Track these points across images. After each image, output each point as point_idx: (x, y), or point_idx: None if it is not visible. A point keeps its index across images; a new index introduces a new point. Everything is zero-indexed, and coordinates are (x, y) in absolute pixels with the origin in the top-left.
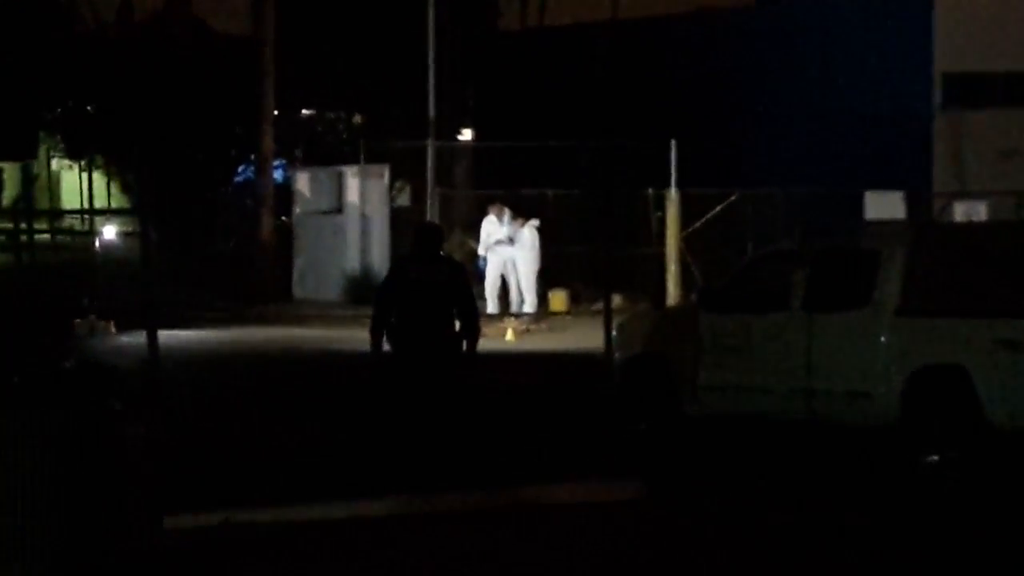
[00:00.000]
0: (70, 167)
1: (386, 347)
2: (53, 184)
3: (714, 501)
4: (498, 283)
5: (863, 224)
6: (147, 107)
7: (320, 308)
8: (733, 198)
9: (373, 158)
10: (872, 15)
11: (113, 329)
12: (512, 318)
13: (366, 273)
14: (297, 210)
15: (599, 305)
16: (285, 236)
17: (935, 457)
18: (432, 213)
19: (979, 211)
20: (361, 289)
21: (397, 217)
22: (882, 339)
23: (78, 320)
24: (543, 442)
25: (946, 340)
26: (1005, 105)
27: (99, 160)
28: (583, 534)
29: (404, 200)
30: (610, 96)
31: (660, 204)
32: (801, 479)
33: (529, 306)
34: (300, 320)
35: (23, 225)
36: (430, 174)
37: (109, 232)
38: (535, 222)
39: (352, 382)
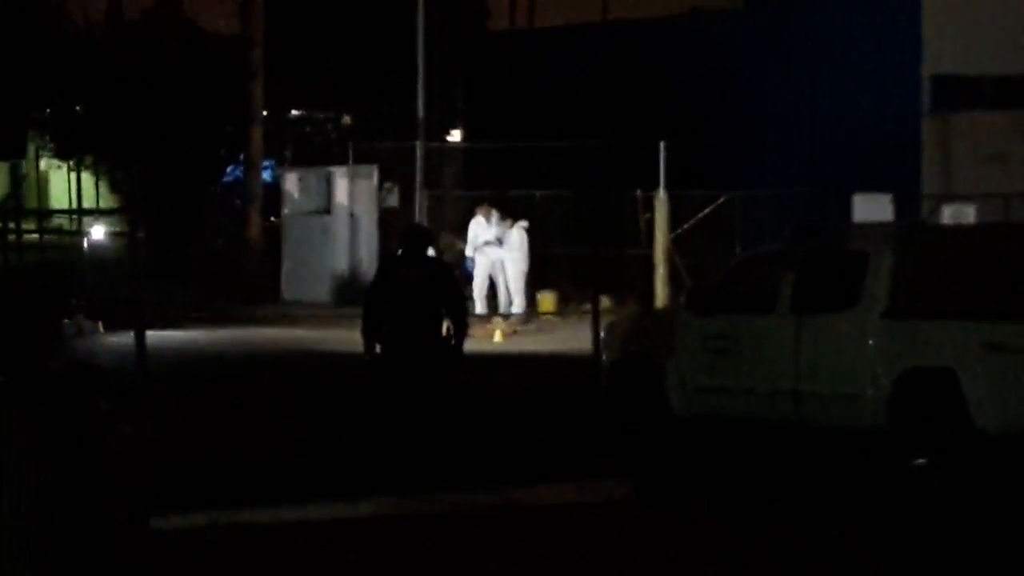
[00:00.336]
0: (59, 167)
1: (378, 348)
2: (42, 184)
3: (702, 503)
4: (486, 284)
5: (851, 226)
6: (136, 107)
7: (308, 309)
8: (721, 200)
9: (362, 159)
10: (861, 17)
11: (101, 329)
12: (500, 319)
13: (354, 274)
14: (286, 210)
15: (587, 306)
16: (274, 236)
17: (923, 460)
18: (421, 214)
19: (967, 213)
20: (349, 290)
21: (386, 218)
22: (870, 341)
23: (66, 320)
24: (531, 443)
25: (934, 343)
26: (993, 108)
27: (88, 160)
28: (571, 535)
29: (393, 201)
30: (599, 97)
31: (649, 205)
32: (789, 481)
33: (517, 307)
34: (288, 320)
35: (11, 225)
36: (419, 175)
37: (98, 232)
38: (524, 223)
39: (340, 382)
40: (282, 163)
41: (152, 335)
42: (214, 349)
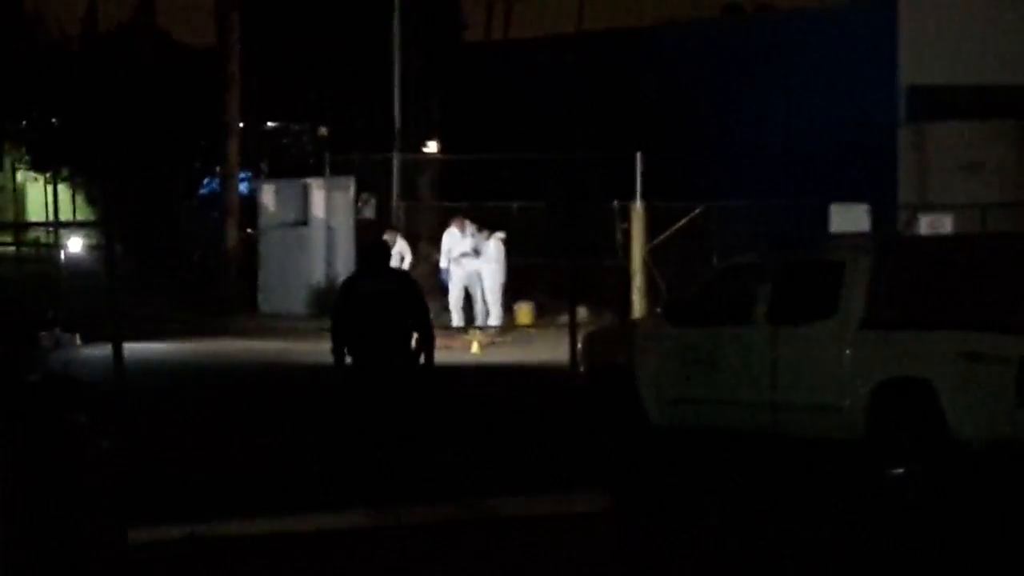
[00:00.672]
0: (35, 179)
1: (349, 360)
2: (18, 196)
3: (680, 513)
4: (462, 296)
5: (828, 236)
6: (111, 119)
7: (285, 320)
8: (698, 211)
9: (338, 170)
10: (837, 28)
11: (79, 341)
12: (477, 331)
13: (331, 285)
14: (262, 222)
15: (564, 318)
16: (250, 248)
17: (900, 470)
18: (397, 225)
19: (944, 224)
20: (326, 301)
21: (362, 229)
22: (847, 352)
23: (43, 332)
24: (509, 454)
25: (911, 353)
26: (970, 118)
27: (64, 172)
28: (549, 546)
29: (370, 212)
30: (576, 109)
31: (625, 216)
32: (766, 492)
33: (495, 319)
34: (265, 332)
35: None
36: (395, 186)
37: (75, 245)
38: (501, 234)
39: (316, 395)
40: (258, 175)
41: (129, 347)
42: (191, 361)
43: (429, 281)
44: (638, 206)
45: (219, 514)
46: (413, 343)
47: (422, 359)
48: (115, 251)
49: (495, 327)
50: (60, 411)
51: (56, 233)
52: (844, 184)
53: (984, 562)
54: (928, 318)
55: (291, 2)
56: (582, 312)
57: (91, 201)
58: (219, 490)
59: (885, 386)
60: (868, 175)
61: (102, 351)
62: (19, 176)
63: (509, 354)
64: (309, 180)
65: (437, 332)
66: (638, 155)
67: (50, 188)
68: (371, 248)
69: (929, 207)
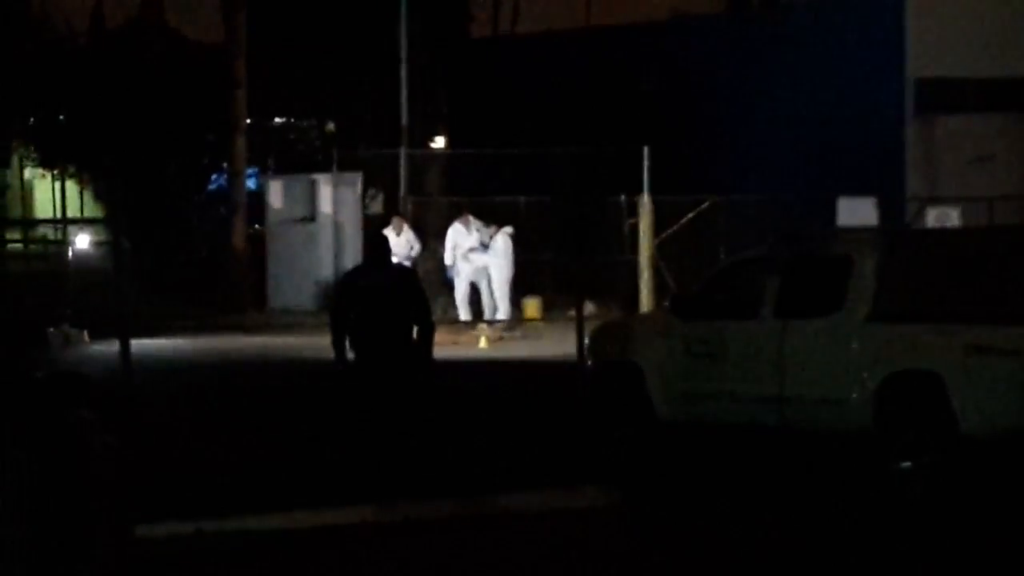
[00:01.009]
0: (43, 176)
1: (351, 355)
2: (26, 193)
3: (687, 508)
4: (469, 290)
5: (835, 230)
6: (119, 115)
7: (294, 316)
8: (706, 204)
9: (346, 166)
10: (844, 21)
11: (87, 338)
12: (485, 325)
13: (337, 279)
14: (270, 219)
15: (572, 312)
16: (258, 244)
17: (908, 464)
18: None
19: (952, 217)
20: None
21: (370, 225)
22: (854, 345)
23: (51, 329)
24: (517, 449)
25: (919, 346)
26: (978, 110)
27: (72, 169)
28: (557, 541)
29: (377, 208)
30: (583, 103)
31: (633, 211)
32: (774, 486)
33: (503, 313)
34: (274, 328)
35: None
36: (403, 182)
37: (83, 241)
38: (509, 229)
39: (324, 390)
40: (266, 171)
41: (137, 344)
42: (200, 357)
43: (436, 276)
44: (646, 200)
45: (226, 509)
46: (414, 336)
47: (421, 350)
48: (123, 248)
49: (503, 322)
50: (66, 407)
51: (64, 230)
52: (852, 177)
53: (992, 557)
54: (936, 311)
55: None
56: (590, 307)
57: (99, 198)
58: (226, 485)
59: (893, 379)
60: (876, 168)
61: (111, 347)
62: (26, 173)
63: (517, 349)
64: (317, 176)
65: (445, 327)
66: (645, 149)
67: (58, 185)
68: (371, 242)
69: (937, 200)
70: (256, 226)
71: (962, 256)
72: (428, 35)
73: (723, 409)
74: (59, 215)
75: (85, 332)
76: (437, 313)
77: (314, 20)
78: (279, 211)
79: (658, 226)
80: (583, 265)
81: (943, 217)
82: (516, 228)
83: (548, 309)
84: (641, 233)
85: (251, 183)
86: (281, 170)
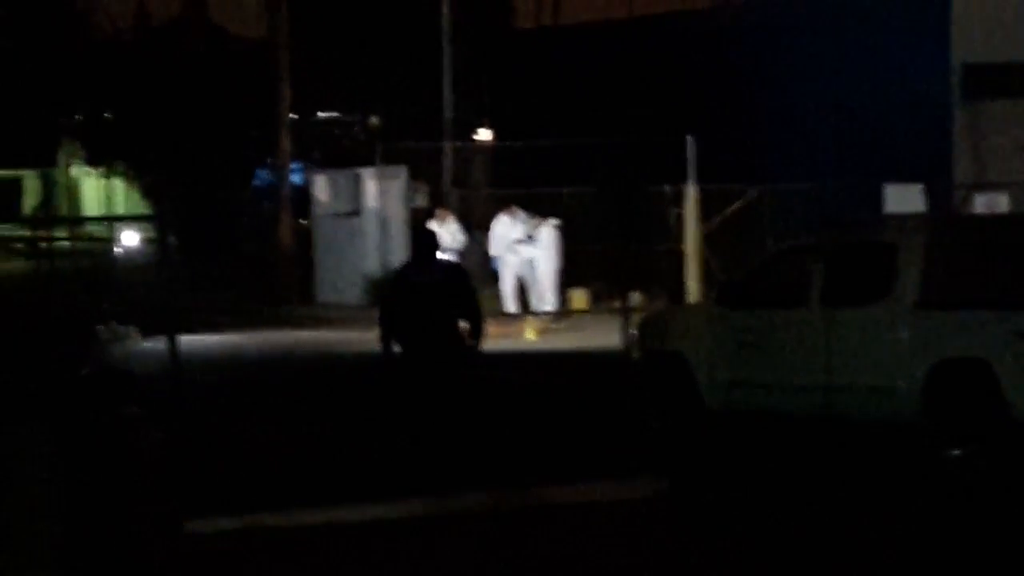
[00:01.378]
0: (89, 174)
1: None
2: (73, 191)
3: (736, 498)
4: (515, 283)
5: (881, 217)
6: (164, 112)
7: (341, 310)
8: (751, 193)
9: (390, 160)
10: (890, 6)
11: (136, 334)
12: (532, 317)
13: (385, 275)
14: (315, 213)
15: (619, 303)
16: (304, 239)
17: (958, 451)
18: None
19: (1000, 202)
20: (381, 291)
21: (415, 218)
22: (902, 333)
23: (100, 326)
24: (565, 440)
25: (967, 333)
26: None
27: (119, 166)
28: (605, 532)
29: (422, 201)
30: (626, 93)
31: (678, 200)
32: (823, 475)
33: (549, 305)
34: (321, 322)
35: (43, 232)
36: (447, 175)
37: (130, 238)
38: (555, 221)
39: (372, 385)
40: (310, 165)
41: (186, 340)
42: (248, 352)
43: (482, 269)
44: (691, 190)
45: (273, 504)
46: (459, 330)
47: (470, 347)
48: (169, 244)
49: (550, 313)
50: (114, 404)
51: (111, 227)
52: (899, 164)
53: None
54: (984, 297)
55: None
56: (636, 297)
57: (145, 195)
58: (273, 480)
59: (941, 367)
60: (923, 154)
61: (160, 344)
62: (73, 171)
63: (564, 340)
64: (361, 170)
65: (492, 319)
66: (690, 138)
67: (104, 182)
68: (419, 238)
69: (985, 186)
70: (302, 220)
71: (1010, 242)
72: (470, 27)
73: (770, 398)
74: (106, 212)
75: (133, 328)
76: (484, 306)
77: (356, 14)
78: (324, 205)
79: (704, 215)
80: (629, 256)
81: (992, 203)
82: (560, 219)
83: (595, 300)
84: (687, 223)
85: (296, 178)
86: (326, 164)
